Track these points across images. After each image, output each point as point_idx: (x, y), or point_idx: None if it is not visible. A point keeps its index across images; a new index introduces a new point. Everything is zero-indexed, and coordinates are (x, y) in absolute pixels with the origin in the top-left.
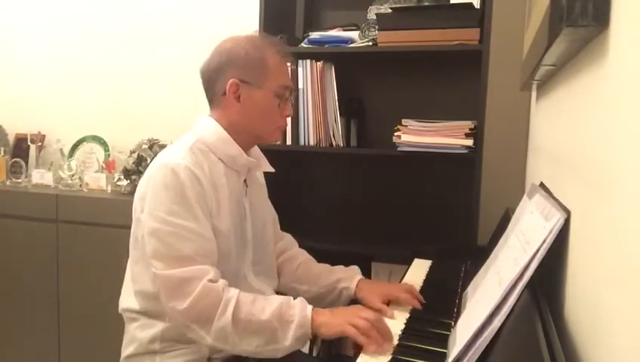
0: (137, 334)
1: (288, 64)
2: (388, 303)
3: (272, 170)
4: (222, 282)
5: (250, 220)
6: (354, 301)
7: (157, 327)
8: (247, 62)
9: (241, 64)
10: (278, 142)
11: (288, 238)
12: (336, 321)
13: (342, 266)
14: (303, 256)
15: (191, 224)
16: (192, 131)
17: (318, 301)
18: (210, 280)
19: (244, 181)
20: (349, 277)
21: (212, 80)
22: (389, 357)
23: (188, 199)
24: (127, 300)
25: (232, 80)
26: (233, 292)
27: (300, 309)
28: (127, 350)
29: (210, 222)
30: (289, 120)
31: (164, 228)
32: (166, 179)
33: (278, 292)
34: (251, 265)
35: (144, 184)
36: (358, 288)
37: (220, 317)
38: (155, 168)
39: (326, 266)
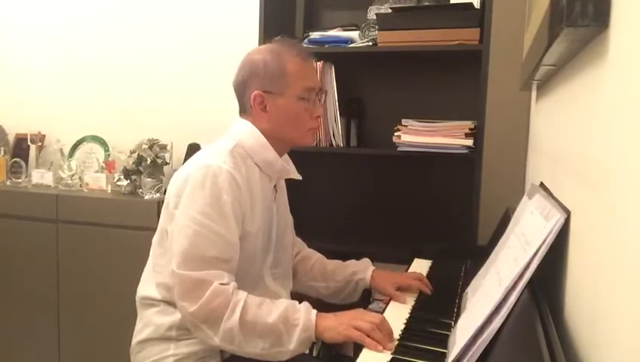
0: (155, 319)
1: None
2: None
3: (300, 177)
4: (232, 285)
5: (275, 225)
6: (368, 290)
7: (176, 315)
8: (267, 72)
9: (261, 75)
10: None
11: (299, 240)
12: (341, 326)
13: (353, 260)
14: (315, 255)
15: (220, 228)
16: (230, 134)
17: (335, 295)
18: (222, 283)
19: (274, 186)
20: (364, 268)
21: (240, 93)
22: (389, 357)
23: (223, 203)
24: (148, 289)
25: (255, 92)
26: (242, 295)
27: (304, 313)
28: (141, 334)
29: (241, 228)
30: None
31: (193, 227)
32: (205, 180)
33: (295, 293)
34: (270, 268)
35: (182, 181)
36: (372, 278)
37: (228, 318)
38: (196, 168)
39: (338, 262)
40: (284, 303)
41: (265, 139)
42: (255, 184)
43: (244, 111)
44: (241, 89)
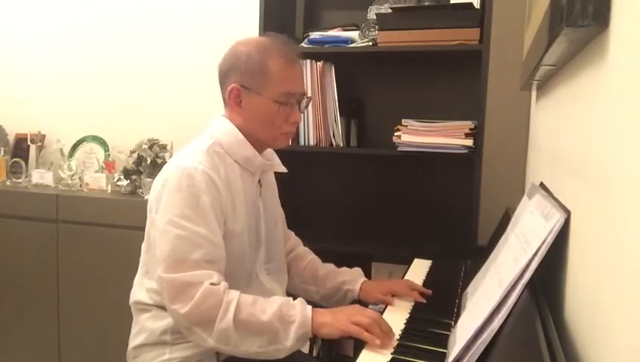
0: (149, 324)
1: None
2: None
3: (285, 170)
4: (223, 284)
5: (263, 220)
6: (357, 301)
7: (169, 319)
8: (248, 67)
9: (242, 69)
10: None
11: (294, 236)
12: (339, 322)
13: (346, 268)
14: (310, 255)
15: (202, 229)
16: (207, 132)
17: (326, 299)
18: (212, 284)
19: (258, 181)
20: (353, 279)
21: (221, 82)
22: (389, 357)
23: (202, 204)
24: (140, 294)
25: (232, 85)
26: (234, 294)
27: (300, 309)
28: (136, 340)
29: (223, 228)
30: None
31: (175, 231)
32: (182, 183)
33: (288, 293)
34: (263, 264)
35: (160, 185)
36: (361, 290)
37: (222, 319)
38: (172, 171)
39: (331, 267)
40: (279, 300)
41: (242, 136)
42: (235, 182)
43: (224, 101)
44: (222, 79)
